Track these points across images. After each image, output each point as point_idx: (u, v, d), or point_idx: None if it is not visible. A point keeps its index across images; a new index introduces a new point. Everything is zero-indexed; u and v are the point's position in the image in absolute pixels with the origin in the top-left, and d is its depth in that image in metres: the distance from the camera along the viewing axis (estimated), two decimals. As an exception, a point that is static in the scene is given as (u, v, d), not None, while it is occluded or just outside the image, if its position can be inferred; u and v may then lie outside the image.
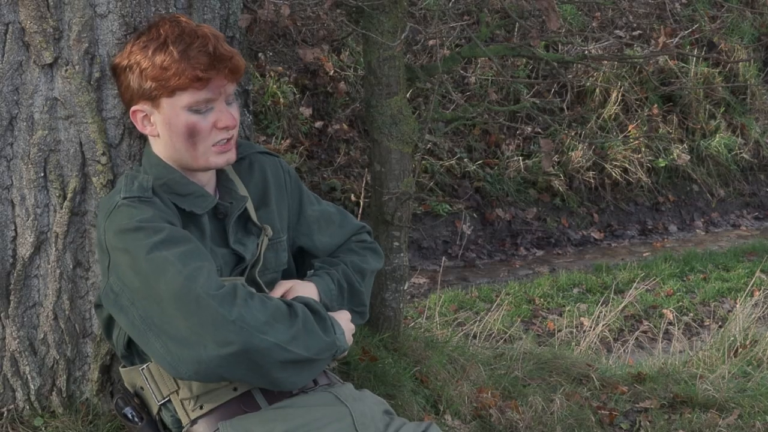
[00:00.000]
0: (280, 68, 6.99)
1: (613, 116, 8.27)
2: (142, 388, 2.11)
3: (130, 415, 2.12)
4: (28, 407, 2.41)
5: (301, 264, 2.32)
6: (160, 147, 2.08)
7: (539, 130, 7.89)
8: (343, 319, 2.13)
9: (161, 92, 2.00)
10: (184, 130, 2.02)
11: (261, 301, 1.91)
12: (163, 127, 2.04)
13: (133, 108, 2.06)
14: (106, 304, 2.00)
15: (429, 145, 7.28)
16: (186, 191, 2.07)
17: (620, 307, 5.09)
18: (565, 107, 7.94)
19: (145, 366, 2.08)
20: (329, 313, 2.09)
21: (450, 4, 6.52)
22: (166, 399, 2.07)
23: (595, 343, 4.83)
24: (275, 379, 1.93)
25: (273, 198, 2.25)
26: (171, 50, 1.97)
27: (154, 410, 2.11)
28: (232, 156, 2.09)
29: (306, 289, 2.17)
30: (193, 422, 2.05)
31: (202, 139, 2.03)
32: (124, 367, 2.15)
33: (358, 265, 2.31)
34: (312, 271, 2.27)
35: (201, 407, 2.03)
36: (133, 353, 2.11)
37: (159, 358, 1.92)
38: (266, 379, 1.93)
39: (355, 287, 2.28)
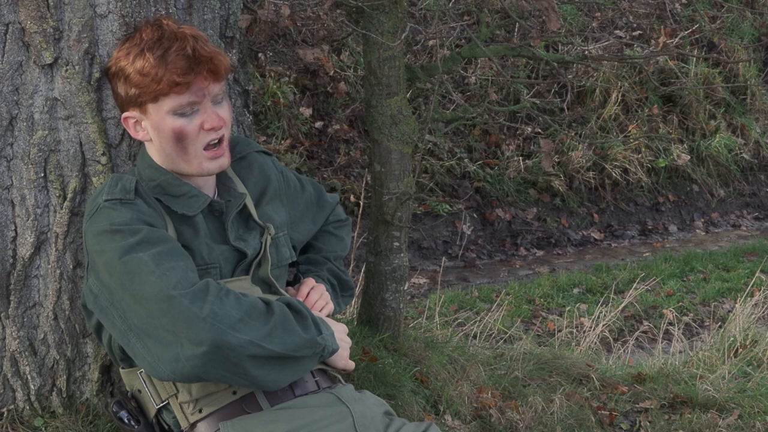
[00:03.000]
0: (280, 68, 6.99)
1: (613, 116, 8.27)
2: (139, 390, 2.11)
3: (125, 419, 2.11)
4: (28, 407, 2.41)
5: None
6: (153, 151, 2.10)
7: (539, 130, 7.89)
8: (339, 330, 2.14)
9: (145, 98, 2.02)
10: (171, 134, 2.03)
11: (236, 298, 1.91)
12: (153, 132, 2.06)
13: (124, 115, 2.09)
14: (88, 304, 2.03)
15: (429, 145, 7.27)
16: (179, 192, 2.08)
17: (620, 307, 5.08)
18: (565, 107, 7.93)
19: (142, 369, 2.07)
20: (324, 318, 2.10)
21: (450, 4, 6.52)
22: (164, 402, 2.07)
23: (595, 343, 4.82)
24: (254, 377, 1.91)
25: (272, 195, 2.26)
26: (148, 56, 1.98)
27: (152, 413, 2.10)
28: (224, 161, 2.09)
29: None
30: (193, 425, 2.05)
31: (191, 143, 2.03)
32: (123, 368, 2.16)
33: (339, 254, 2.43)
34: (301, 276, 2.33)
35: (200, 411, 2.03)
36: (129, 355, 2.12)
37: (140, 359, 1.93)
38: (245, 378, 1.91)
39: (341, 278, 2.40)
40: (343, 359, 2.14)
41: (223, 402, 2.03)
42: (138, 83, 2.00)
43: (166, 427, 2.11)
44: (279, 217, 2.26)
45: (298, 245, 2.37)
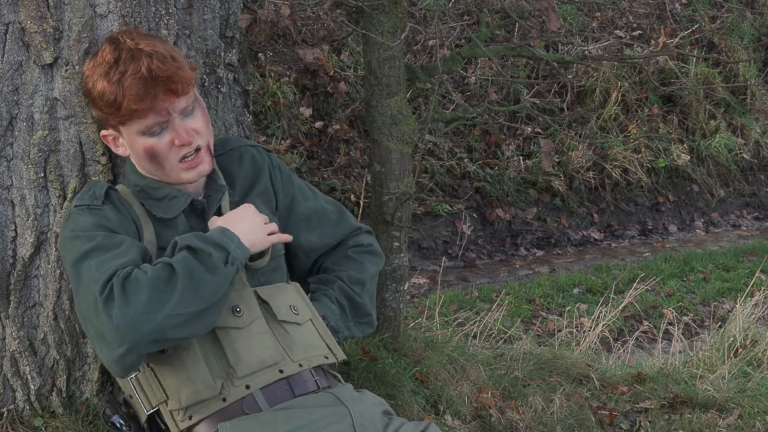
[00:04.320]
0: (280, 68, 6.99)
1: (613, 116, 8.27)
2: (131, 396, 2.11)
3: (117, 424, 2.11)
4: (28, 407, 2.41)
5: (288, 260, 2.30)
6: (135, 163, 2.13)
7: (539, 130, 7.88)
8: (241, 222, 2.07)
9: (113, 122, 2.05)
10: (144, 153, 2.06)
11: (136, 282, 1.90)
12: (129, 149, 2.09)
13: (103, 132, 2.12)
14: (78, 314, 2.10)
15: (429, 145, 7.27)
16: (160, 195, 2.11)
17: (620, 307, 5.08)
18: (565, 107, 7.93)
19: (133, 375, 2.07)
20: (221, 224, 2.05)
21: (450, 4, 6.52)
22: (154, 409, 2.07)
23: (595, 343, 4.82)
24: (187, 337, 1.96)
25: (261, 190, 2.24)
26: (105, 83, 2.00)
27: (143, 419, 2.10)
28: (204, 167, 2.10)
29: None
30: (190, 428, 2.05)
31: (165, 159, 2.05)
32: None
33: (354, 276, 2.30)
34: (309, 295, 2.26)
35: (190, 418, 2.03)
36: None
37: (101, 358, 2.02)
38: (185, 338, 1.96)
39: (355, 301, 2.28)
40: (264, 242, 2.10)
41: (213, 409, 2.02)
42: (101, 108, 2.04)
43: (163, 427, 2.11)
44: (269, 210, 2.23)
45: (301, 253, 2.32)
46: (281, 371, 2.06)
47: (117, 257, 1.96)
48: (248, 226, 2.07)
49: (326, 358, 2.15)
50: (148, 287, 1.89)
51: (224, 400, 2.02)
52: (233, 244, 2.00)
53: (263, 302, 2.11)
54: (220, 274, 1.95)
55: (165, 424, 2.10)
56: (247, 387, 2.03)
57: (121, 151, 2.11)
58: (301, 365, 2.09)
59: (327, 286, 2.28)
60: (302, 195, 2.31)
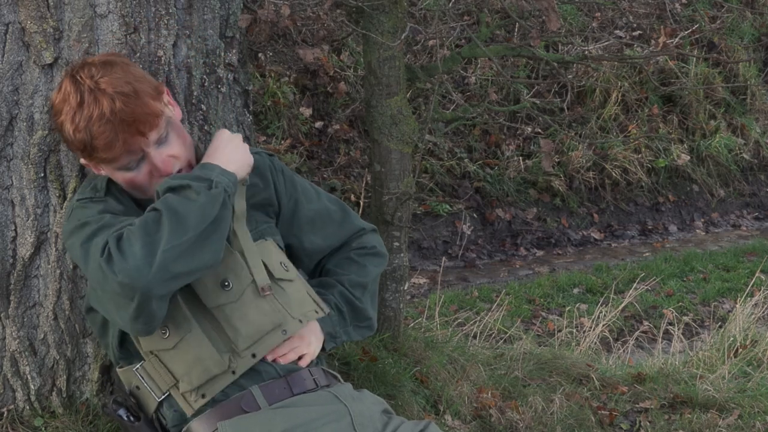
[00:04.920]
0: (280, 68, 6.99)
1: (613, 116, 8.27)
2: (137, 387, 2.12)
3: (125, 416, 2.12)
4: (28, 407, 2.41)
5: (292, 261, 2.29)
6: None
7: (539, 130, 7.88)
8: (222, 151, 2.07)
9: (87, 160, 2.07)
10: (125, 184, 2.08)
11: (128, 236, 1.90)
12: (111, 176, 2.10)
13: (81, 161, 2.13)
14: (90, 301, 2.11)
15: (429, 145, 7.27)
16: (150, 193, 2.10)
17: (620, 307, 5.08)
18: (565, 107, 7.93)
19: (138, 365, 2.09)
20: (201, 161, 2.04)
21: (450, 4, 6.52)
22: (165, 394, 2.08)
23: (595, 343, 4.82)
24: (196, 270, 1.94)
25: (261, 199, 2.23)
26: (71, 129, 2.00)
27: (152, 408, 2.11)
28: None
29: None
30: (194, 415, 2.06)
31: (147, 187, 2.08)
32: (121, 367, 2.16)
33: (355, 280, 2.30)
34: None
35: (203, 396, 2.05)
36: (127, 353, 2.13)
37: (123, 327, 2.02)
38: (197, 270, 1.94)
39: (355, 305, 2.28)
40: (248, 164, 2.10)
41: (224, 383, 2.04)
42: (73, 149, 2.07)
43: (164, 422, 2.11)
44: (261, 221, 2.23)
45: (304, 256, 2.31)
46: (284, 332, 2.09)
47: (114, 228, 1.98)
48: (228, 151, 2.07)
49: (317, 312, 2.17)
50: (139, 235, 1.90)
51: (234, 372, 2.04)
52: (214, 172, 2.00)
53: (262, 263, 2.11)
54: (203, 198, 1.94)
55: (165, 420, 2.10)
56: (254, 355, 2.05)
57: (104, 173, 2.11)
58: (301, 321, 2.11)
59: (327, 291, 2.27)
60: (306, 197, 2.30)
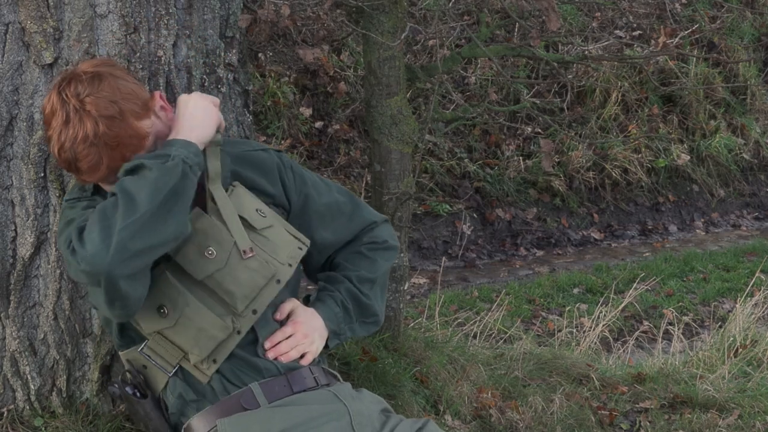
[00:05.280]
0: (280, 68, 6.99)
1: (613, 116, 8.27)
2: (144, 366, 2.11)
3: (132, 392, 2.11)
4: (28, 407, 2.41)
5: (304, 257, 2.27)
6: None
7: (539, 130, 7.88)
8: (188, 113, 2.05)
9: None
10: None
11: (87, 225, 1.91)
12: None
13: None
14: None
15: (429, 145, 7.27)
16: None
17: (620, 307, 5.08)
18: (565, 107, 7.93)
19: (143, 345, 2.09)
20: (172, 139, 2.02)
21: (450, 4, 6.52)
22: (176, 368, 2.08)
23: (595, 343, 4.82)
24: (158, 245, 1.92)
25: (268, 194, 2.21)
26: (57, 147, 2.00)
27: (160, 387, 2.11)
28: None
29: (309, 318, 2.17)
30: (193, 410, 2.07)
31: None
32: (123, 350, 2.17)
33: (365, 276, 2.27)
34: (315, 294, 2.26)
35: (215, 361, 2.06)
36: (129, 339, 2.13)
37: (106, 313, 2.03)
38: (158, 246, 1.92)
39: (361, 302, 2.26)
40: (212, 124, 2.06)
41: (233, 345, 2.05)
42: (61, 166, 2.09)
43: (164, 406, 2.12)
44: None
45: (315, 251, 2.27)
46: (278, 281, 2.10)
47: None
48: (188, 118, 2.04)
49: (300, 249, 2.16)
50: (96, 221, 1.90)
51: (239, 332, 2.06)
52: (173, 147, 1.98)
53: (241, 218, 2.09)
54: (156, 173, 1.93)
55: (167, 403, 2.12)
56: (254, 312, 2.07)
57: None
58: (290, 264, 2.12)
59: (333, 287, 2.25)
60: (316, 191, 2.27)
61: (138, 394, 2.12)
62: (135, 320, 2.06)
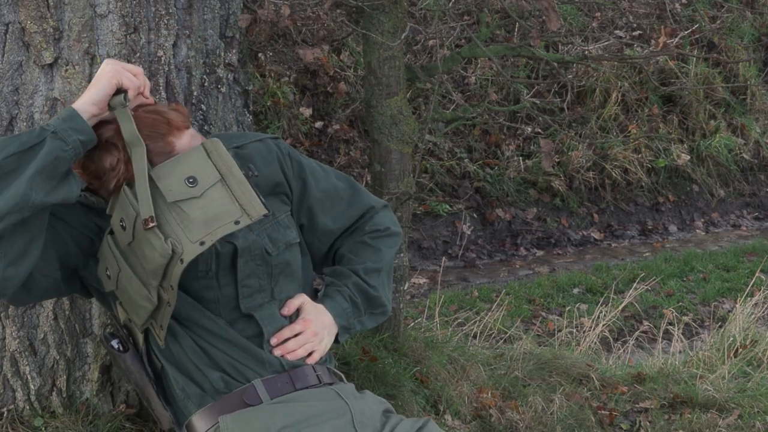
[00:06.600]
0: (280, 68, 6.99)
1: (613, 116, 8.27)
2: (130, 319, 2.11)
3: (115, 345, 2.11)
4: (28, 407, 2.41)
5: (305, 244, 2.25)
6: None
7: (539, 130, 7.88)
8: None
9: None
10: None
11: None
12: None
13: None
14: None
15: (429, 145, 7.27)
16: None
17: (620, 307, 5.08)
18: (565, 107, 7.93)
19: (118, 303, 2.10)
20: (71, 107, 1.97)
21: (450, 4, 6.52)
22: (144, 326, 2.07)
23: (595, 343, 4.82)
24: (10, 207, 1.89)
25: (269, 181, 2.18)
26: None
27: (141, 339, 2.10)
28: None
29: (319, 315, 2.16)
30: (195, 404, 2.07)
31: None
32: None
33: (371, 267, 2.25)
34: (323, 289, 2.25)
35: (161, 327, 2.05)
36: (105, 299, 2.15)
37: None
38: (7, 213, 1.89)
39: (370, 295, 2.24)
40: (104, 84, 1.96)
41: (168, 313, 2.01)
42: None
43: (146, 360, 2.12)
44: (272, 204, 2.15)
45: (315, 238, 2.26)
46: (182, 260, 1.94)
47: None
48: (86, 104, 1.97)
49: (236, 224, 1.96)
50: None
51: (169, 305, 1.98)
52: (53, 120, 1.94)
53: (155, 187, 1.97)
54: (21, 137, 1.91)
55: (161, 363, 2.12)
56: (171, 287, 1.96)
57: None
58: (203, 243, 1.93)
59: (341, 281, 2.24)
60: (314, 178, 2.24)
61: (121, 348, 2.11)
62: (96, 280, 2.07)
